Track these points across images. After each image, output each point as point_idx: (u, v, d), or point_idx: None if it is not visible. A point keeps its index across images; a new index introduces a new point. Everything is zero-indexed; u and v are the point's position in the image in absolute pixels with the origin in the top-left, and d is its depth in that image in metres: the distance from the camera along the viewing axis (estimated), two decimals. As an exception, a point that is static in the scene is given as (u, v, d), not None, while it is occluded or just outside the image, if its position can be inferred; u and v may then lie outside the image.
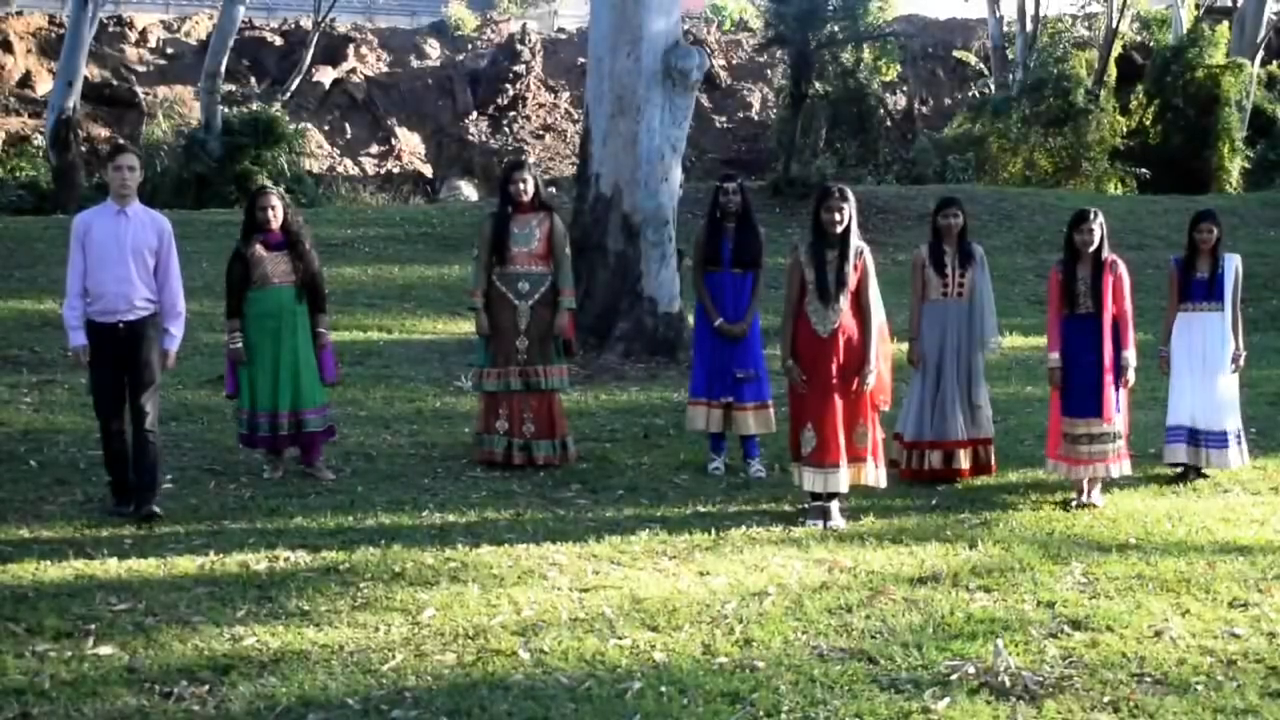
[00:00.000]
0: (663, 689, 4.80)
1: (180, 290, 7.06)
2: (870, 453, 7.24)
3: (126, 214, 6.91)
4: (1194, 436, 8.21)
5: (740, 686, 4.84)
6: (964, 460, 8.09)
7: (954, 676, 4.93)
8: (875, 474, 7.29)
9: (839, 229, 7.07)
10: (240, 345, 7.91)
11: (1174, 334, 8.32)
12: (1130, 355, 7.66)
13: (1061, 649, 5.27)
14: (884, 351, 7.32)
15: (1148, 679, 4.98)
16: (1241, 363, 8.36)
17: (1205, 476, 8.24)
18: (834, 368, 7.09)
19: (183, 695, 4.68)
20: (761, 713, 4.63)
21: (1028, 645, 5.29)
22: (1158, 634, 5.44)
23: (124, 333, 6.86)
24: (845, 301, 7.10)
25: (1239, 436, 8.26)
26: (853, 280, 7.10)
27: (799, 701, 4.71)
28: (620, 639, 5.31)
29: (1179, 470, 8.29)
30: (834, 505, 7.16)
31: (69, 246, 6.96)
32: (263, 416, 7.90)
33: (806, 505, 7.24)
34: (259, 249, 7.87)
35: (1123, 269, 7.72)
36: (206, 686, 4.76)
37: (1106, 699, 4.78)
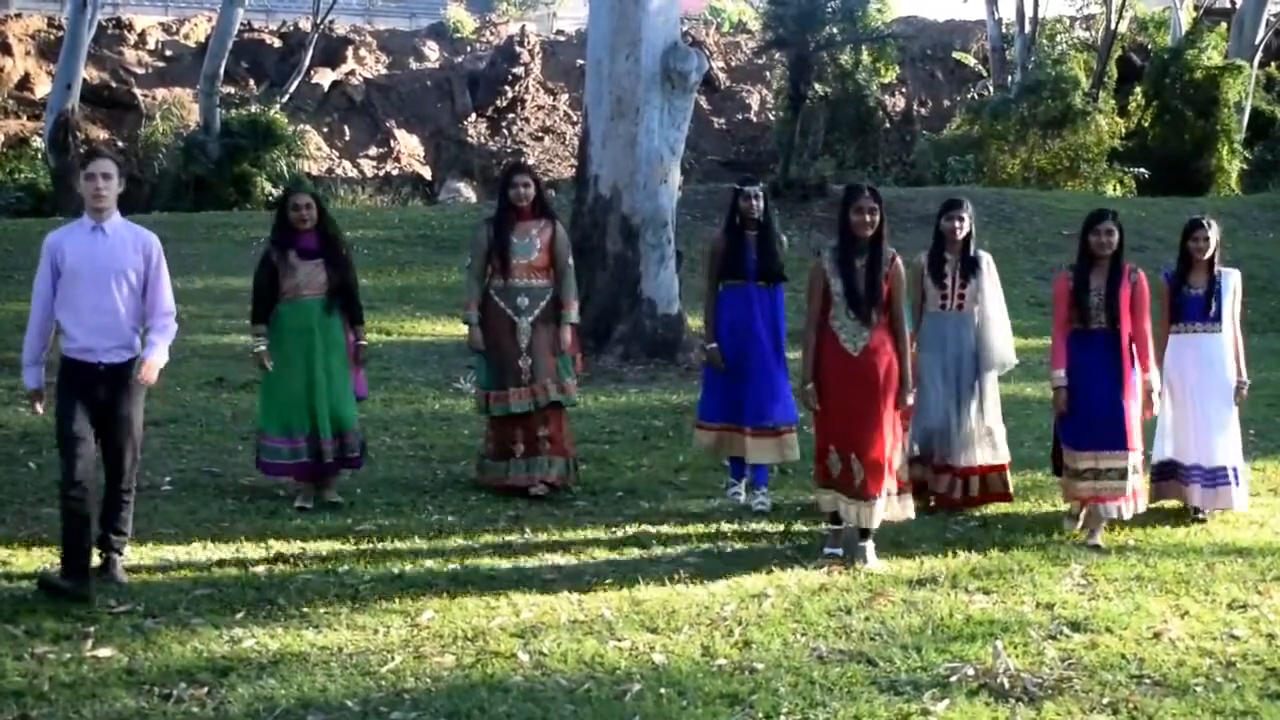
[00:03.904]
0: (662, 691, 4.80)
1: (171, 311, 5.97)
2: (907, 482, 6.60)
3: (104, 230, 5.82)
4: (1186, 473, 7.35)
5: (739, 688, 4.84)
6: (974, 488, 7.43)
7: (953, 678, 4.94)
8: (908, 506, 6.63)
9: (869, 232, 6.38)
10: (265, 349, 7.28)
11: (1165, 358, 7.33)
12: (1154, 379, 6.94)
13: (1061, 650, 5.27)
14: (911, 366, 6.69)
15: (1147, 680, 4.99)
16: (1245, 394, 7.42)
17: (1202, 520, 7.33)
18: (867, 390, 6.38)
19: (182, 697, 4.68)
20: (760, 715, 4.63)
21: (1027, 647, 5.30)
22: (1157, 635, 5.44)
23: (104, 375, 5.76)
24: (878, 315, 6.42)
25: (1237, 474, 7.33)
26: (885, 291, 6.41)
27: (798, 703, 4.71)
28: (619, 641, 5.31)
29: (1179, 508, 7.48)
30: (869, 545, 6.47)
31: (38, 270, 5.90)
32: (287, 442, 7.29)
33: (826, 531, 6.68)
34: (292, 257, 7.25)
35: (1143, 279, 6.94)
36: (205, 688, 4.76)
37: (1106, 700, 4.78)
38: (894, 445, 6.46)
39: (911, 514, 6.64)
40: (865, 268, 6.40)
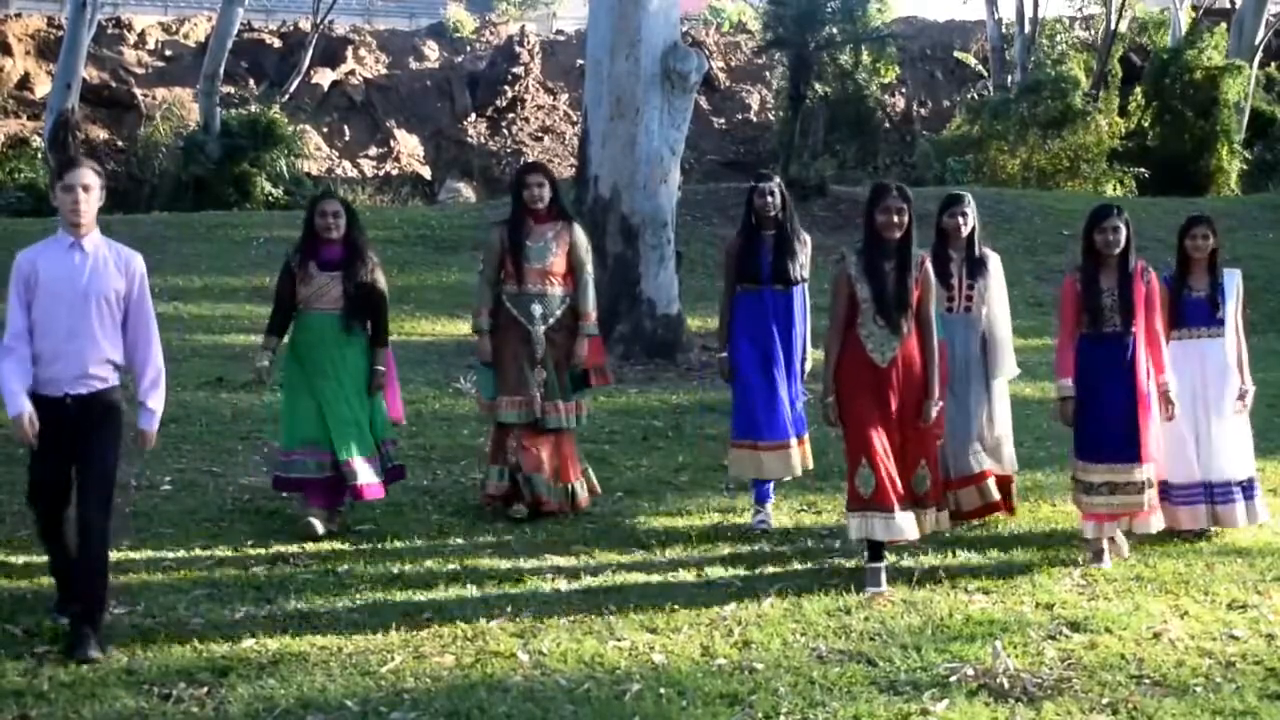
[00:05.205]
0: (661, 691, 4.80)
1: (158, 348, 5.38)
2: (931, 497, 6.23)
3: (83, 248, 5.19)
4: (1189, 493, 6.87)
5: (739, 688, 4.84)
6: (974, 498, 6.92)
7: (953, 678, 4.93)
8: (938, 519, 6.33)
9: (897, 234, 6.00)
10: (266, 364, 6.99)
11: (1166, 367, 6.66)
12: (1169, 380, 6.52)
13: (1060, 651, 5.27)
14: (942, 375, 6.31)
15: (1146, 681, 4.98)
16: (1249, 400, 7.00)
17: (1209, 539, 6.93)
18: (892, 402, 6.05)
19: (181, 697, 4.69)
20: (760, 715, 4.63)
21: (1026, 647, 5.29)
22: (1156, 636, 5.44)
23: (73, 410, 5.13)
24: (907, 323, 6.06)
25: (1253, 487, 6.96)
26: (914, 296, 6.06)
27: (798, 703, 4.71)
28: (619, 640, 5.32)
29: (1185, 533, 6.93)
30: (881, 566, 6.06)
31: (9, 291, 5.18)
32: (300, 454, 6.86)
33: (866, 566, 6.13)
34: (311, 267, 6.85)
35: (1155, 278, 6.54)
36: (205, 688, 4.77)
37: (1105, 701, 4.78)
38: (920, 459, 6.16)
39: (945, 525, 6.41)
40: (894, 272, 6.03)
